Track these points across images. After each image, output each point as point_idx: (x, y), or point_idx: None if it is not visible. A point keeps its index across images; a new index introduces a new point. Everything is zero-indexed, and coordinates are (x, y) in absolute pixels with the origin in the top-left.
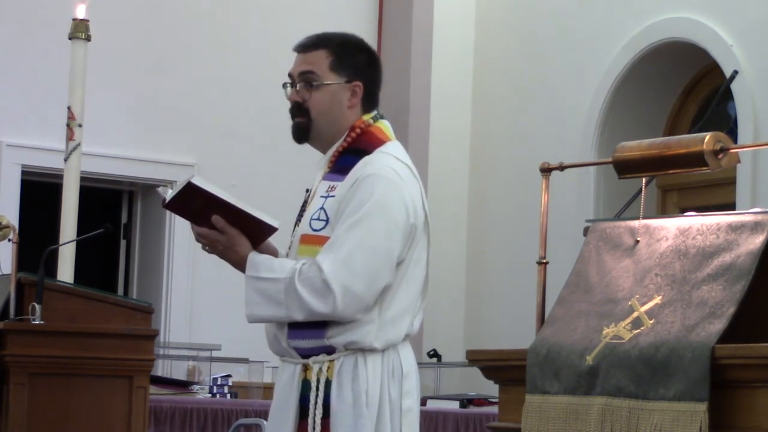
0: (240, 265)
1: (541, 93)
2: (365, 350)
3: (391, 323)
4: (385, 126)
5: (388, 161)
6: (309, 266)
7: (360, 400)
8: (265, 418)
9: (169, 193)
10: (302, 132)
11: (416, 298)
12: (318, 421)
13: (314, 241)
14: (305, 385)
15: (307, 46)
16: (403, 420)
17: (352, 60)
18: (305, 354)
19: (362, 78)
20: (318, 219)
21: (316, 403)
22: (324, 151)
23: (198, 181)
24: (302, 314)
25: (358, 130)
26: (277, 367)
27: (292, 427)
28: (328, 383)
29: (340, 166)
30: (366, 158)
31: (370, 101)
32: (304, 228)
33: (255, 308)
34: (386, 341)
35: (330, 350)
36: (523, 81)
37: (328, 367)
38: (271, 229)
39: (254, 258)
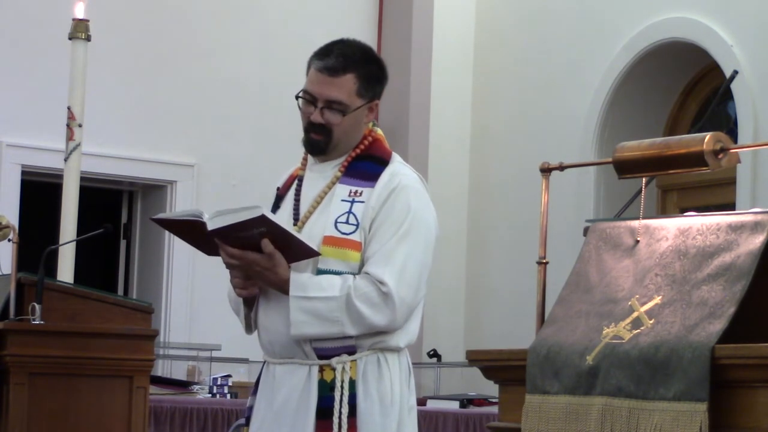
0: (279, 286)
1: (541, 93)
2: (386, 349)
3: (413, 323)
4: (383, 134)
5: (412, 173)
6: (362, 280)
7: (386, 399)
8: None
9: (208, 217)
10: (321, 149)
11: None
12: (345, 420)
13: (342, 243)
14: (323, 386)
15: (335, 70)
16: (410, 417)
17: (375, 81)
18: (326, 355)
19: (379, 96)
20: (347, 222)
21: (341, 401)
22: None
23: (268, 214)
24: (358, 329)
25: (370, 138)
26: None
27: (312, 428)
28: (351, 382)
29: (359, 171)
30: (392, 168)
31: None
32: (327, 229)
33: (303, 327)
34: (408, 340)
35: (351, 350)
36: (523, 81)
37: (351, 367)
38: (312, 254)
39: (298, 278)
